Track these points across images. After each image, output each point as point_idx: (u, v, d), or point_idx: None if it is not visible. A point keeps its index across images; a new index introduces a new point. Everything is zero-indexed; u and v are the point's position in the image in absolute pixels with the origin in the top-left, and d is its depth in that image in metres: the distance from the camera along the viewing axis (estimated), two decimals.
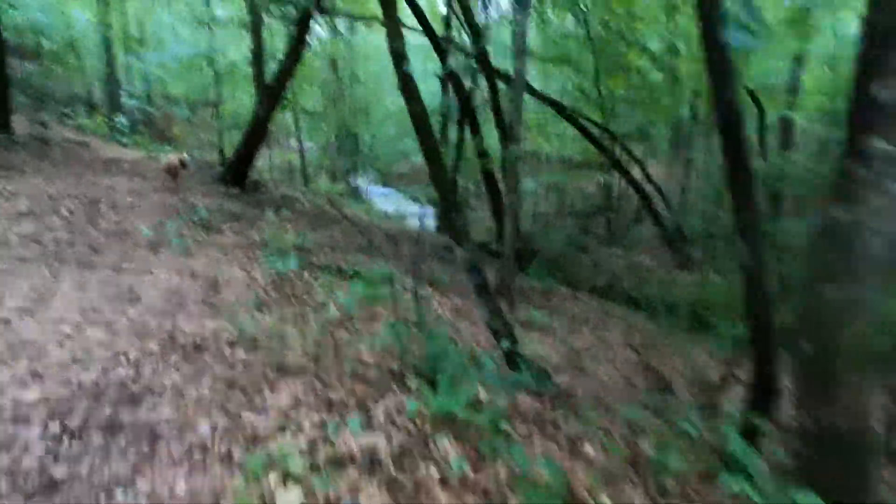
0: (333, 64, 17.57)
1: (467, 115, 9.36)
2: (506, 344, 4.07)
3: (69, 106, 16.90)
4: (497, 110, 9.42)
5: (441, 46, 8.94)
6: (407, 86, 3.69)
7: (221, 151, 14.55)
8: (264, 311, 4.15)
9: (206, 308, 4.03)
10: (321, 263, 6.30)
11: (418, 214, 20.92)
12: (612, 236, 16.99)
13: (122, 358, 3.03)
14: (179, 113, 19.74)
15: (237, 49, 16.03)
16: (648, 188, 13.69)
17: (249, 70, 14.45)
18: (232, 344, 3.34)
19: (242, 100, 16.18)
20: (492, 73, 9.19)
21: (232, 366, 3.09)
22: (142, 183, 9.71)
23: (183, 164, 9.86)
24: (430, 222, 19.87)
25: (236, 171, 11.04)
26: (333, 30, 17.09)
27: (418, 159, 24.88)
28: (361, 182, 22.04)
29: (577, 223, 17.80)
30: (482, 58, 8.79)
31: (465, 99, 9.25)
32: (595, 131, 12.77)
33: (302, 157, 16.67)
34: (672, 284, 12.07)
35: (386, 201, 21.22)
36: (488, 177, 9.92)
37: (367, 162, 24.19)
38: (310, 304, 4.56)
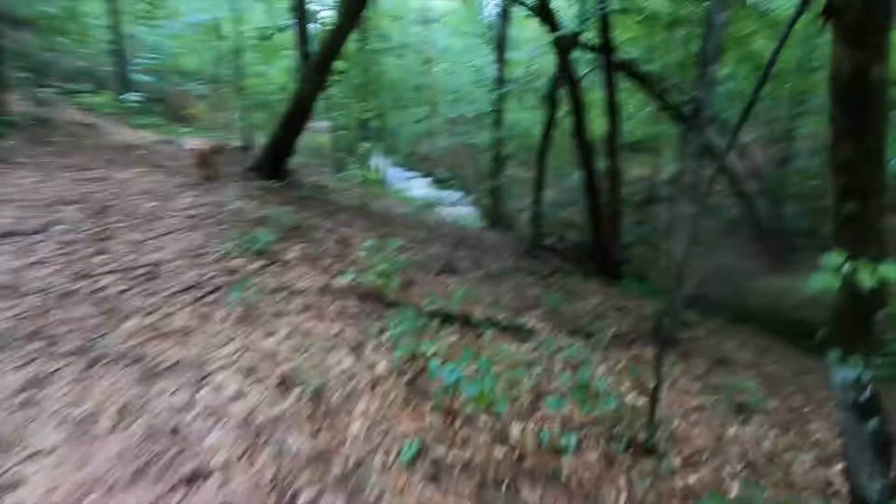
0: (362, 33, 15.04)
1: (571, 91, 7.07)
2: None
3: (74, 81, 14.48)
4: (611, 88, 7.13)
5: (548, 7, 6.57)
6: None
7: (247, 134, 12.23)
8: (442, 480, 2.01)
9: (325, 483, 1.89)
10: (436, 309, 4.13)
11: (451, 201, 18.77)
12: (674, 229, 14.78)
13: None
14: (195, 90, 17.30)
15: (261, 12, 13.54)
16: (740, 174, 11.40)
17: (278, 37, 12.01)
18: None
19: (269, 74, 13.72)
20: (609, 42, 6.86)
21: None
22: (162, 177, 7.47)
23: (219, 149, 7.68)
24: (467, 210, 17.69)
25: (274, 160, 8.78)
26: None
27: (447, 140, 22.49)
28: (382, 165, 19.72)
29: (630, 214, 15.56)
30: (604, 20, 6.48)
31: (569, 71, 6.95)
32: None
33: (335, 139, 14.30)
34: (782, 295, 9.95)
35: (413, 187, 18.93)
36: (588, 167, 7.66)
37: (391, 144, 21.78)
38: (506, 440, 2.41)
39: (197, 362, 2.61)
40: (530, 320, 5.05)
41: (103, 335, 2.85)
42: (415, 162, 23.69)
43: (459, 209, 17.45)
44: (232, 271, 3.96)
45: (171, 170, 8.15)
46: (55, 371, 2.50)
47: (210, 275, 3.85)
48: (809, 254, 11.57)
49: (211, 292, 3.53)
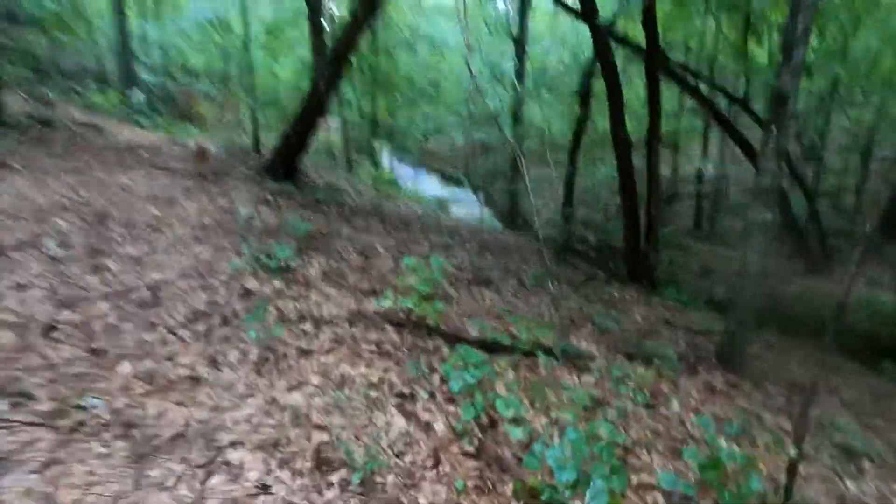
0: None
1: (609, 83, 6.39)
2: None
3: (77, 80, 13.90)
4: (654, 84, 6.44)
5: None
6: None
7: (256, 134, 11.60)
8: None
9: None
10: (485, 338, 3.48)
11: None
12: (700, 229, 14.13)
13: None
14: (202, 88, 16.69)
15: (270, 7, 12.88)
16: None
17: (288, 32, 11.38)
18: None
19: (278, 71, 13.07)
20: (655, 35, 6.17)
21: None
22: (167, 181, 6.85)
23: (203, 150, 7.36)
24: (479, 209, 17.02)
25: (286, 161, 8.15)
26: None
27: (458, 137, 21.74)
28: (392, 163, 18.99)
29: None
30: (649, 11, 5.78)
31: (608, 61, 6.26)
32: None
33: (346, 137, 13.64)
34: (822, 300, 9.24)
35: (423, 185, 18.20)
36: (626, 165, 6.99)
37: (401, 141, 21.09)
38: None
39: (207, 430, 1.97)
40: (581, 342, 4.41)
41: (89, 388, 2.23)
42: (423, 159, 22.97)
43: (472, 208, 16.79)
44: (246, 294, 3.33)
45: (176, 172, 7.53)
46: (24, 446, 1.87)
47: (221, 299, 3.21)
48: (847, 255, 10.75)
49: (223, 323, 2.90)
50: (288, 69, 12.78)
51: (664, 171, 16.41)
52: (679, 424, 3.24)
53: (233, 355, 2.56)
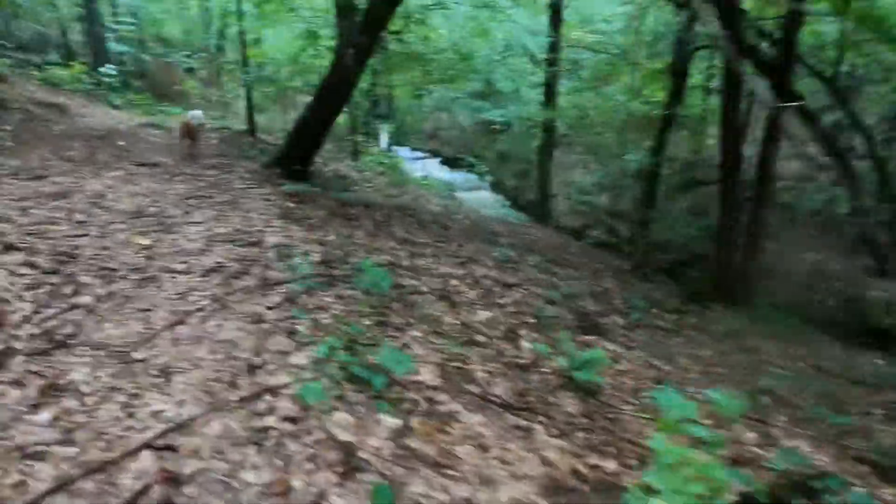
0: None
1: (730, 57, 4.80)
2: None
3: (36, 51, 11.55)
4: (788, 55, 4.86)
5: None
6: None
7: (251, 116, 9.63)
8: None
9: None
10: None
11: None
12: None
13: None
14: (183, 62, 14.36)
15: None
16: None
17: None
18: None
19: (274, 41, 10.92)
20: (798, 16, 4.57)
21: None
22: (154, 184, 5.02)
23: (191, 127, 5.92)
24: (488, 195, 15.47)
25: (302, 154, 6.34)
26: None
27: (463, 117, 19.79)
28: (392, 146, 17.04)
29: (670, 201, 13.02)
30: None
31: (736, 29, 4.65)
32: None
33: (353, 119, 11.64)
34: None
35: (426, 170, 16.33)
36: (732, 158, 5.47)
37: (401, 122, 19.07)
38: None
39: None
40: (797, 442, 2.91)
41: None
42: (421, 141, 20.95)
43: (480, 195, 15.17)
44: (342, 458, 1.68)
45: (164, 170, 5.69)
46: None
47: (296, 482, 1.57)
48: None
49: None
50: (283, 38, 10.66)
51: (684, 154, 14.75)
52: None
53: None
